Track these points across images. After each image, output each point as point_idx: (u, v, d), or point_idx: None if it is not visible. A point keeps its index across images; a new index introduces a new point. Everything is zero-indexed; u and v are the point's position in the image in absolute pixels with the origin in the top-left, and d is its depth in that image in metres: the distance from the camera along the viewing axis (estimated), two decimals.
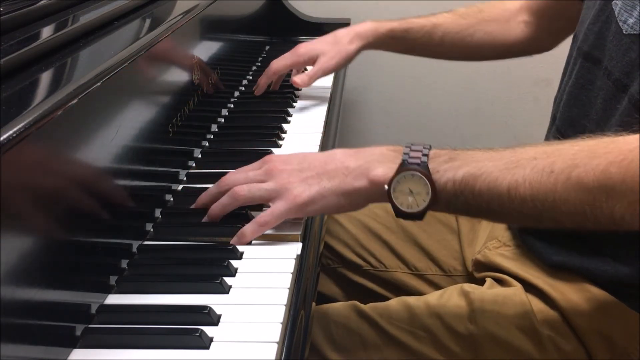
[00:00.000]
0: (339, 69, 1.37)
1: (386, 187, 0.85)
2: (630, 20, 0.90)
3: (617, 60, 0.92)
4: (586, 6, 1.05)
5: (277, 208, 0.90)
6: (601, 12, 0.98)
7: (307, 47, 1.37)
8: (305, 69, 1.44)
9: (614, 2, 0.95)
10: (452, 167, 0.83)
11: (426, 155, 0.84)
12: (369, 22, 1.37)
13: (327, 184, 0.88)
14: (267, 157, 0.94)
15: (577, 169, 0.78)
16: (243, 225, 0.94)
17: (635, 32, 0.89)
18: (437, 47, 1.37)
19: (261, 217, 0.90)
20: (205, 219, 0.94)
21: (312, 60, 1.36)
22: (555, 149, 0.81)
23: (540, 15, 1.30)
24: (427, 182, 0.83)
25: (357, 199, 0.88)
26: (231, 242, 0.91)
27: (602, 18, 0.97)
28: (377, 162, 0.87)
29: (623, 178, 0.75)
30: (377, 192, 0.86)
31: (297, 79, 1.34)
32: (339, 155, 0.90)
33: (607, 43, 0.95)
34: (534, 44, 1.33)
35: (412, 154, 0.85)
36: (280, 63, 1.36)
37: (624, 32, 0.90)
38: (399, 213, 0.85)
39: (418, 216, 0.85)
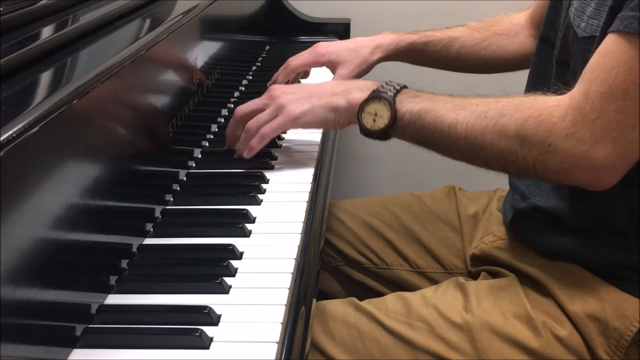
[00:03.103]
0: (357, 79, 1.37)
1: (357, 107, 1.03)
2: (582, 24, 0.97)
3: (578, 62, 0.98)
4: (561, 14, 1.08)
5: (275, 122, 1.07)
6: (564, 19, 1.04)
7: (328, 49, 1.36)
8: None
9: (570, 9, 1.01)
10: (414, 101, 1.00)
11: (397, 90, 1.02)
12: (390, 34, 1.37)
13: (316, 102, 1.06)
14: (271, 87, 1.12)
15: (503, 118, 0.92)
16: (243, 226, 0.95)
17: (587, 35, 0.96)
18: (454, 61, 1.39)
19: (263, 129, 1.08)
20: (236, 156, 1.13)
21: (331, 64, 1.36)
22: (496, 99, 0.95)
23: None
24: (390, 108, 0.99)
25: (339, 115, 1.06)
26: (244, 155, 1.10)
27: (565, 24, 1.03)
28: (358, 89, 1.05)
29: (536, 132, 0.90)
30: (352, 112, 1.04)
31: None
32: (331, 83, 1.10)
33: (569, 47, 1.01)
34: None
35: (386, 87, 1.03)
36: (299, 61, 1.35)
37: (579, 35, 0.97)
38: (362, 130, 1.03)
39: (377, 134, 1.01)
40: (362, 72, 1.36)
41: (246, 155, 1.10)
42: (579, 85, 0.89)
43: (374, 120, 1.01)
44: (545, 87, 1.08)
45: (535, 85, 1.14)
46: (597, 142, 0.86)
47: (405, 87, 1.03)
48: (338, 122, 1.07)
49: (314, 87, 1.09)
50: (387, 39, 1.36)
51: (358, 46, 1.36)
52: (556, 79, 1.06)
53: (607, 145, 0.86)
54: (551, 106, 0.90)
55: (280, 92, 1.09)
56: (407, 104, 1.00)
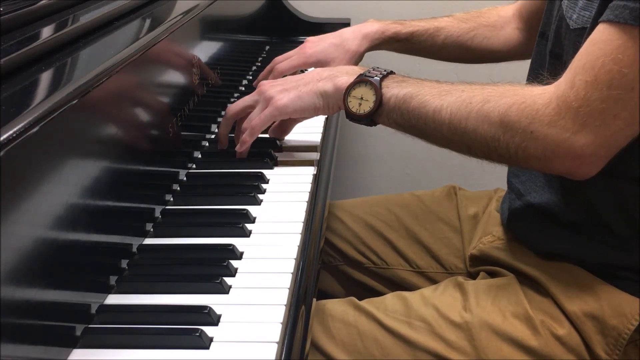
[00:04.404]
0: None
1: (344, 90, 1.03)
2: (574, 16, 0.97)
3: (570, 54, 0.98)
4: (554, 7, 1.09)
5: (264, 113, 1.08)
6: (557, 12, 1.04)
7: (315, 48, 1.36)
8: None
9: (562, 1, 1.01)
10: (400, 86, 1.00)
11: (384, 75, 1.02)
12: (375, 23, 1.37)
13: (303, 88, 1.07)
14: (260, 82, 1.14)
15: (488, 104, 0.92)
16: (243, 226, 0.95)
17: (578, 27, 0.96)
18: (439, 50, 1.39)
19: (253, 122, 1.09)
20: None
21: (320, 64, 1.35)
22: (482, 86, 0.96)
23: (530, 22, 1.32)
24: (375, 92, 0.99)
25: (327, 100, 1.06)
26: (236, 149, 1.11)
27: (558, 17, 1.04)
28: (345, 73, 1.06)
29: (519, 118, 0.90)
30: (340, 96, 1.04)
31: None
32: (317, 69, 1.11)
33: (562, 39, 1.02)
34: (529, 48, 1.35)
35: (373, 71, 1.03)
36: (286, 64, 1.35)
37: (571, 27, 0.98)
38: (348, 114, 1.03)
39: (362, 119, 1.02)
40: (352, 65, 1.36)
41: (238, 149, 1.11)
42: (566, 74, 0.89)
43: (360, 105, 1.02)
44: (541, 81, 1.08)
45: (533, 80, 1.14)
46: (579, 131, 0.87)
47: (392, 72, 1.04)
48: (327, 106, 1.07)
49: (300, 76, 1.10)
50: (373, 28, 1.36)
51: (344, 40, 1.36)
52: (549, 71, 1.06)
53: (589, 134, 0.86)
54: (536, 94, 0.90)
55: (268, 86, 1.10)
56: (393, 89, 1.00)
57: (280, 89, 1.09)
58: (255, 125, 1.09)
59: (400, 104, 0.99)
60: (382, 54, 1.42)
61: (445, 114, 0.95)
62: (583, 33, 0.94)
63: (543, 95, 0.90)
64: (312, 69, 1.17)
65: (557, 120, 0.87)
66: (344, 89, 1.04)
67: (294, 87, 1.08)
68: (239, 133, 1.14)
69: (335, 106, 1.07)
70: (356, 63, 1.36)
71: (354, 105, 1.02)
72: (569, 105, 0.87)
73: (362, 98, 1.01)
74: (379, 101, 1.00)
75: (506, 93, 0.93)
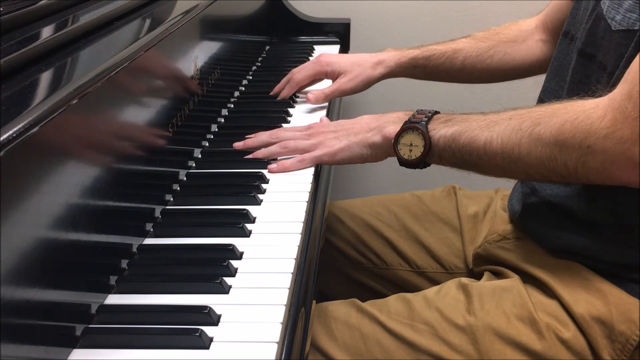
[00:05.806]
0: (356, 92, 1.38)
1: (392, 140, 1.05)
2: (618, 17, 0.96)
3: (610, 55, 0.97)
4: (583, 7, 1.08)
5: (314, 153, 1.12)
6: (592, 11, 1.03)
7: (332, 59, 1.38)
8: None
9: (602, 1, 1.00)
10: (446, 126, 1.01)
11: (428, 117, 1.03)
12: (392, 51, 1.39)
13: (353, 139, 1.10)
14: (312, 124, 1.18)
15: (538, 127, 0.92)
16: (243, 226, 0.95)
17: (623, 28, 0.95)
18: (459, 72, 1.38)
19: (302, 156, 1.12)
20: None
21: (334, 74, 1.37)
22: (528, 110, 0.95)
23: (555, 32, 1.31)
24: (423, 137, 1.01)
25: (375, 150, 1.08)
26: (274, 171, 1.11)
27: (592, 16, 1.02)
28: (391, 122, 1.07)
29: (573, 134, 0.88)
30: (389, 146, 1.06)
31: (312, 96, 1.36)
32: (365, 119, 1.12)
33: (598, 39, 1.00)
34: None
35: (418, 115, 1.05)
36: (303, 74, 1.38)
37: (613, 28, 0.96)
38: (401, 161, 1.05)
39: (416, 164, 1.03)
40: (362, 86, 1.37)
41: (275, 170, 1.11)
42: (621, 86, 0.87)
43: (411, 151, 1.03)
44: (562, 79, 1.07)
45: (553, 78, 1.14)
46: (637, 141, 0.85)
47: (437, 112, 1.04)
48: (376, 156, 1.09)
49: (350, 124, 1.12)
50: (389, 55, 1.38)
51: (362, 60, 1.38)
52: (575, 70, 1.05)
53: None
54: (589, 108, 0.89)
55: (321, 131, 1.14)
56: (440, 130, 1.01)
57: (332, 136, 1.12)
58: (304, 160, 1.11)
59: (449, 143, 1.00)
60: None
61: (497, 144, 0.95)
62: (628, 35, 0.93)
63: (597, 108, 0.88)
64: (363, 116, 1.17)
65: (614, 131, 0.86)
66: (392, 138, 1.05)
67: (344, 136, 1.10)
68: (277, 146, 1.14)
69: (383, 155, 1.09)
70: (367, 86, 1.38)
71: (405, 152, 1.03)
72: (627, 116, 0.85)
73: (411, 144, 1.02)
74: (428, 145, 1.01)
75: (556, 112, 0.92)
